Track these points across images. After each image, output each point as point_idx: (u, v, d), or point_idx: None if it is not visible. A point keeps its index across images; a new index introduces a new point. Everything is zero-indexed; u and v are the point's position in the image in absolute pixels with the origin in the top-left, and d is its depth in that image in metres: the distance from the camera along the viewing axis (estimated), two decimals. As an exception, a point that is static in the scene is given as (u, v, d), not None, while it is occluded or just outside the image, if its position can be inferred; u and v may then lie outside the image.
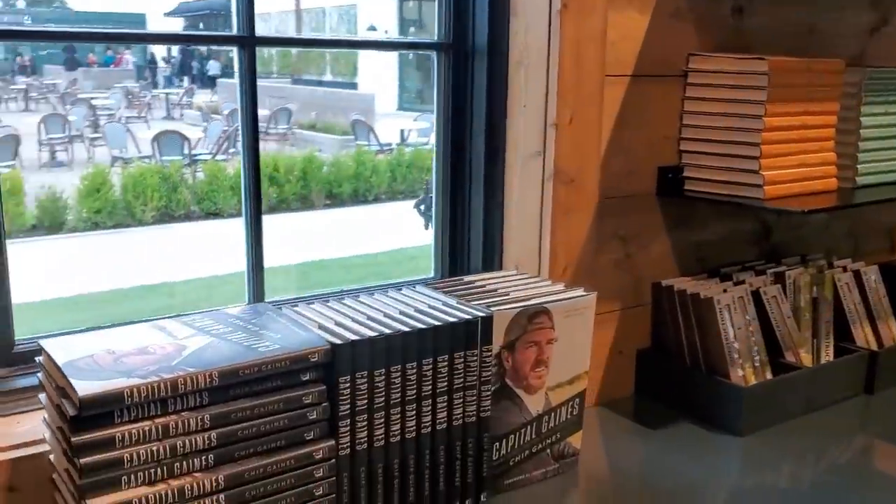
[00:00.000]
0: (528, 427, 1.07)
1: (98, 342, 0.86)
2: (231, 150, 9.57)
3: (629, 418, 1.32)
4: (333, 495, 0.90)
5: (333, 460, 0.89)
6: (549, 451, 1.11)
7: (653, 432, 1.28)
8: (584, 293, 1.09)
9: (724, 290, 1.32)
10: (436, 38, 1.27)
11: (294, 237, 6.73)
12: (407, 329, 0.93)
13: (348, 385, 0.89)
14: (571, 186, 1.25)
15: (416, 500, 0.97)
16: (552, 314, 1.05)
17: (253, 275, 1.15)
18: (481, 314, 0.99)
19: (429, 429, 0.96)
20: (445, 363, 0.96)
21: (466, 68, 1.26)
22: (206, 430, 0.81)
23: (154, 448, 0.78)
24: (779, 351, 1.36)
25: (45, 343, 0.85)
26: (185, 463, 0.80)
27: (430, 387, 0.95)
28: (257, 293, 1.15)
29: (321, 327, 0.93)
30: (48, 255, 6.35)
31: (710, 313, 1.28)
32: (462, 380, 0.98)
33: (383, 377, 0.91)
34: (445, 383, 0.96)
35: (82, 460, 0.75)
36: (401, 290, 1.09)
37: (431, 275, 1.34)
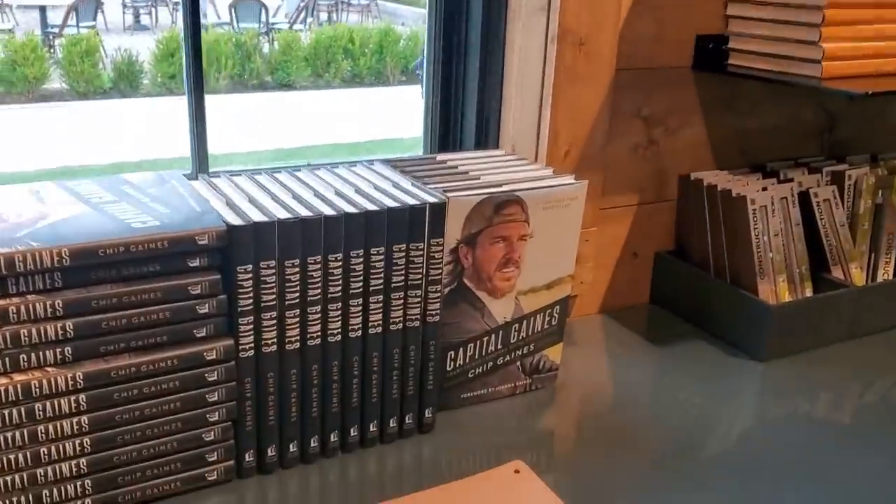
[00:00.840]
0: (492, 336, 0.91)
1: (-47, 205, 0.73)
2: (309, 20, 9.33)
3: (635, 331, 1.14)
4: (233, 403, 0.76)
5: (232, 363, 0.75)
6: (519, 364, 0.94)
7: (660, 349, 1.09)
8: (572, 181, 0.89)
9: (764, 189, 1.09)
10: None
11: (362, 113, 6.57)
12: (331, 213, 0.76)
13: (250, 276, 0.73)
14: (581, 51, 1.02)
15: (342, 413, 0.82)
16: (526, 205, 0.86)
17: (196, 145, 0.99)
18: (431, 199, 0.81)
19: (358, 333, 0.80)
20: (381, 257, 0.79)
21: None
22: (60, 319, 0.67)
23: (-10, 336, 0.65)
24: (825, 265, 1.14)
25: None
26: (33, 356, 0.67)
27: (360, 284, 0.79)
28: (200, 159, 0.99)
29: (229, 204, 0.77)
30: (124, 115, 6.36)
31: (742, 214, 1.07)
32: (403, 278, 0.81)
33: (297, 269, 0.75)
34: (380, 280, 0.80)
35: None
36: (354, 166, 0.92)
37: (421, 153, 1.16)
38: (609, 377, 1.03)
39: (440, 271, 0.83)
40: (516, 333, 0.92)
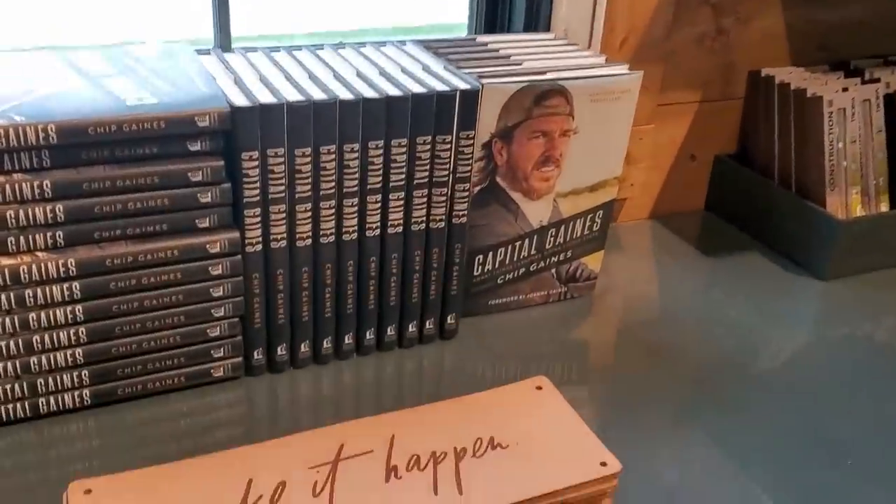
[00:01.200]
0: (525, 240, 0.84)
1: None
2: None
3: (687, 240, 1.06)
4: (240, 299, 0.71)
5: (238, 257, 0.69)
6: (554, 271, 0.87)
7: (712, 260, 1.01)
8: (625, 71, 0.80)
9: (844, 90, 0.97)
10: None
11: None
12: (348, 96, 0.68)
13: (256, 164, 0.67)
14: (648, -77, 0.90)
15: (357, 315, 0.77)
16: (571, 96, 0.77)
17: (218, 17, 0.91)
18: (463, 86, 0.72)
19: (376, 232, 0.74)
20: (403, 149, 0.71)
21: None
22: (49, 201, 0.62)
23: (-26, 217, 0.60)
24: (905, 178, 1.02)
25: None
26: (22, 239, 0.62)
27: (378, 179, 0.72)
28: (222, 31, 0.92)
29: (237, 83, 0.70)
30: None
31: (816, 117, 0.96)
32: (427, 174, 0.73)
33: (309, 159, 0.68)
34: (402, 176, 0.72)
35: None
36: (384, 45, 0.83)
37: (465, 34, 1.06)
38: (654, 288, 0.95)
39: (469, 168, 0.75)
40: (553, 239, 0.85)
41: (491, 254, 0.82)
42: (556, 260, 0.86)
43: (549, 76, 0.76)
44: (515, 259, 0.84)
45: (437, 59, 0.79)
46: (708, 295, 0.94)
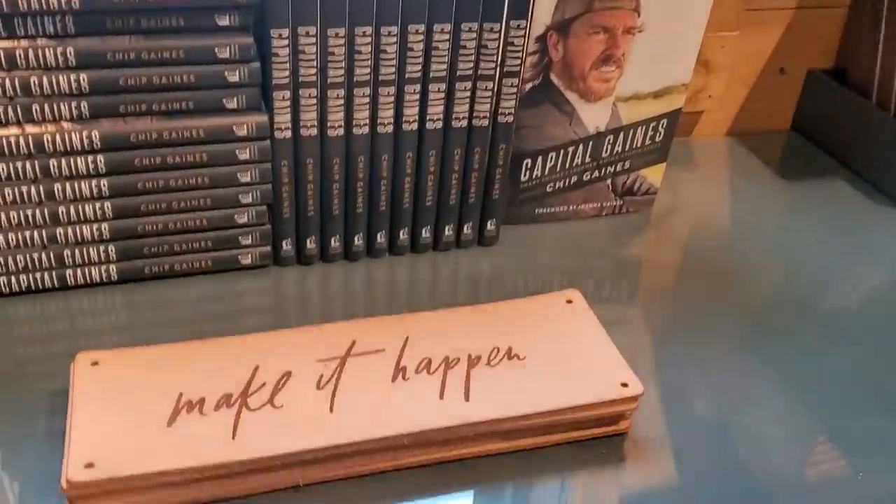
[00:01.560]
0: (579, 146, 0.78)
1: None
2: None
3: (768, 161, 0.98)
4: (268, 186, 0.69)
5: (266, 142, 0.67)
6: (609, 182, 0.82)
7: (793, 185, 0.93)
8: (702, -35, 0.72)
9: (964, 1, 0.86)
10: None
11: None
12: (388, -25, 0.63)
13: (286, 44, 0.63)
14: None
15: (391, 213, 0.74)
16: (636, -11, 0.70)
17: None
18: (515, -29, 0.66)
19: (414, 126, 0.70)
20: (445, 36, 0.66)
21: None
22: (73, 70, 0.61)
23: (-2, 80, 0.59)
24: None
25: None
26: (46, 107, 0.61)
27: (418, 68, 0.67)
28: None
29: (274, -45, 0.66)
30: None
31: (927, 33, 0.85)
32: (472, 65, 0.68)
33: (342, 41, 0.64)
34: (443, 66, 0.68)
35: None
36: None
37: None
38: (724, 210, 0.89)
39: (520, 62, 0.70)
40: (610, 146, 0.79)
41: (540, 158, 0.78)
42: (612, 170, 0.81)
43: (614, -36, 0.70)
44: (567, 166, 0.79)
45: (495, -58, 0.72)
46: (783, 222, 0.87)
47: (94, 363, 0.56)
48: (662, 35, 0.73)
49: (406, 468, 0.55)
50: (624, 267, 0.78)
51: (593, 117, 0.76)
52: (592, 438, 0.57)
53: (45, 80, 0.60)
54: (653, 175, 0.83)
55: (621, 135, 0.78)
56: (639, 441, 0.58)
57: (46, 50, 0.59)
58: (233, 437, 0.52)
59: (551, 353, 0.59)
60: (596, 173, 0.80)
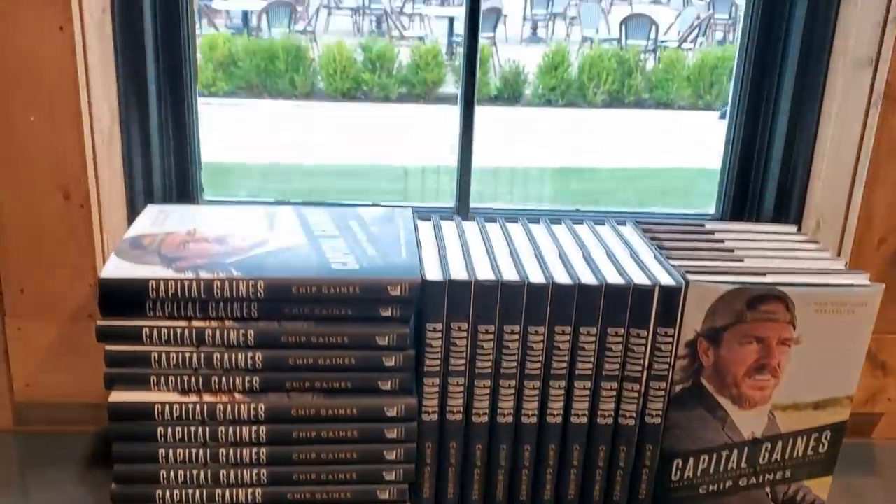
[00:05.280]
0: (734, 451, 0.75)
1: (197, 218, 0.77)
2: (700, 40, 9.02)
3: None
4: (412, 465, 0.71)
5: (414, 423, 0.70)
6: (768, 490, 0.77)
7: None
8: (864, 283, 0.70)
9: None
10: None
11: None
12: (538, 280, 0.67)
13: (440, 336, 0.68)
14: (918, 116, 0.81)
15: (532, 503, 0.73)
16: (792, 303, 0.69)
17: (460, 173, 0.96)
18: (664, 281, 0.68)
19: (558, 419, 0.71)
20: (592, 338, 0.69)
21: (793, -75, 0.86)
22: (251, 349, 0.68)
23: (187, 354, 0.68)
24: None
25: (150, 207, 0.79)
26: (224, 379, 0.68)
27: (564, 365, 0.69)
28: (461, 194, 0.96)
29: (440, 254, 0.73)
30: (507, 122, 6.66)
31: None
32: (618, 367, 0.70)
33: (492, 337, 0.68)
34: (589, 365, 0.69)
35: (107, 347, 0.68)
36: (602, 224, 0.82)
37: (712, 211, 1.01)
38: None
39: (669, 366, 0.70)
40: (768, 454, 0.75)
41: (692, 460, 0.75)
42: (771, 478, 0.76)
43: (767, 279, 0.70)
44: (721, 470, 0.76)
45: (650, 246, 0.76)
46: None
47: None
48: (822, 347, 0.71)
49: None
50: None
51: (748, 423, 0.74)
52: None
53: (226, 356, 0.68)
54: (818, 487, 0.77)
55: (780, 443, 0.75)
56: None
57: (231, 331, 0.67)
58: None
59: None
60: (753, 479, 0.76)
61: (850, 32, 0.81)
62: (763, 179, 0.95)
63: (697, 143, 5.74)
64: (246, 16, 6.79)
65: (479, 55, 0.93)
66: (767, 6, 0.90)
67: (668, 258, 0.73)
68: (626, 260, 0.72)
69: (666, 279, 0.68)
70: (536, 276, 0.68)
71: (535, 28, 10.03)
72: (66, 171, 0.78)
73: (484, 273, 0.68)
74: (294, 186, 4.21)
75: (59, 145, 0.77)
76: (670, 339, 0.69)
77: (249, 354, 0.68)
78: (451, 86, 7.39)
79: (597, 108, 7.18)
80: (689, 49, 8.23)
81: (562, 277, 0.68)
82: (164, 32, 0.87)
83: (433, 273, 0.68)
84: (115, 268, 0.67)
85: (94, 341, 0.68)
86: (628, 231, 0.80)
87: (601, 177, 5.14)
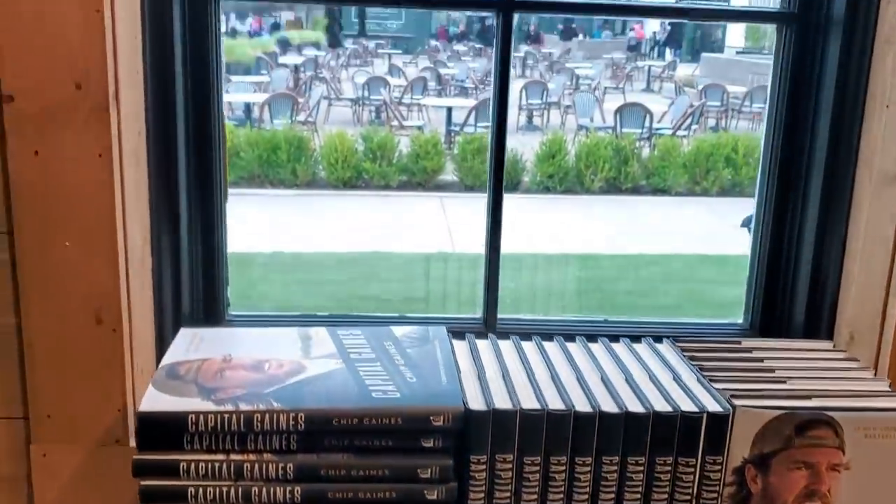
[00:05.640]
0: (786, 578, 0.73)
1: (231, 342, 0.77)
2: (694, 127, 9.20)
3: None
4: None
5: (457, 557, 0.68)
6: None
7: None
8: (913, 406, 0.69)
9: None
10: (777, 5, 0.92)
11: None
12: (584, 409, 0.66)
13: (484, 468, 0.67)
14: (950, 232, 0.81)
15: None
16: (841, 428, 0.68)
17: (487, 286, 0.95)
18: (712, 407, 0.67)
19: (606, 549, 0.69)
20: (640, 468, 0.67)
21: (814, 47, 0.89)
22: (290, 483, 0.66)
23: (225, 488, 0.66)
24: None
25: (183, 331, 0.78)
26: (261, 514, 0.67)
27: (611, 496, 0.68)
28: (489, 306, 0.95)
29: (480, 378, 0.72)
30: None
31: None
32: (667, 496, 0.68)
33: (538, 468, 0.67)
34: (637, 495, 0.68)
35: (141, 482, 0.66)
36: (639, 342, 0.81)
37: (740, 321, 1.01)
38: None
39: (717, 494, 0.68)
40: (821, 577, 0.73)
41: (741, 589, 0.72)
42: None
43: (813, 402, 0.69)
44: None
45: (691, 368, 0.75)
46: None
47: None
48: (873, 473, 0.69)
49: None
50: None
51: (800, 548, 0.72)
52: None
53: (264, 490, 0.66)
54: None
55: (832, 570, 0.72)
56: None
57: (270, 464, 0.66)
58: None
59: None
60: None
61: (877, 146, 0.83)
62: (792, 290, 0.95)
63: (694, 229, 5.80)
64: (248, 107, 6.92)
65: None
66: (789, 123, 0.92)
67: (711, 381, 0.72)
68: (669, 383, 0.72)
69: (713, 405, 0.67)
70: (581, 404, 0.67)
71: (530, 117, 10.23)
72: (99, 296, 0.78)
73: (528, 401, 0.67)
74: (298, 276, 4.24)
75: (92, 270, 0.77)
76: (718, 467, 0.68)
77: (288, 488, 0.66)
78: (450, 173, 7.49)
79: (594, 195, 7.27)
80: (684, 136, 8.39)
81: (607, 405, 0.67)
82: (196, 154, 0.88)
83: (476, 402, 0.67)
84: (153, 400, 0.66)
85: (122, 467, 0.67)
86: (666, 349, 0.79)
87: (602, 264, 5.15)
